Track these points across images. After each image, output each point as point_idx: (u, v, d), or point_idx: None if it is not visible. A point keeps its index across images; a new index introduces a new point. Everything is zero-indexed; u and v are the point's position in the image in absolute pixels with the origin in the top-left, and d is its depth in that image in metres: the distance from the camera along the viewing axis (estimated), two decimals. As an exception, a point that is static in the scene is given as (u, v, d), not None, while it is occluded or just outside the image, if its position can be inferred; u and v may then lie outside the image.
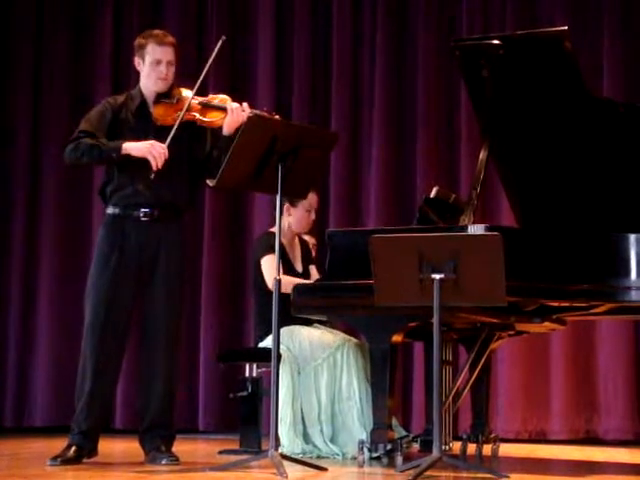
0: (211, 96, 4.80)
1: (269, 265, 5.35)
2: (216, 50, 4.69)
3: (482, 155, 4.86)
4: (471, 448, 5.21)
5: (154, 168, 4.55)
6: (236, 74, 7.40)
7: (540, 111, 4.89)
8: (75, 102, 7.43)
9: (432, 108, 7.10)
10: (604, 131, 4.81)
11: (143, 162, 4.60)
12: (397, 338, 4.64)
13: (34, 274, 7.44)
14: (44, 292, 7.40)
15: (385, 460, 4.63)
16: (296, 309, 4.84)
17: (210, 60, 4.70)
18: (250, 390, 5.40)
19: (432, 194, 5.11)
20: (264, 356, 5.11)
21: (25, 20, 7.63)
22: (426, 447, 4.94)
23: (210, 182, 4.67)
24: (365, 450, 4.68)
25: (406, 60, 7.24)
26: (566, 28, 4.72)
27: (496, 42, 4.76)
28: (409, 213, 6.56)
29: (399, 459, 4.56)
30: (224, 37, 4.73)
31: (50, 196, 7.48)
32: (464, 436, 5.27)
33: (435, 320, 4.18)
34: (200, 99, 4.73)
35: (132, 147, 4.60)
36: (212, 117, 4.70)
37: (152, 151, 4.56)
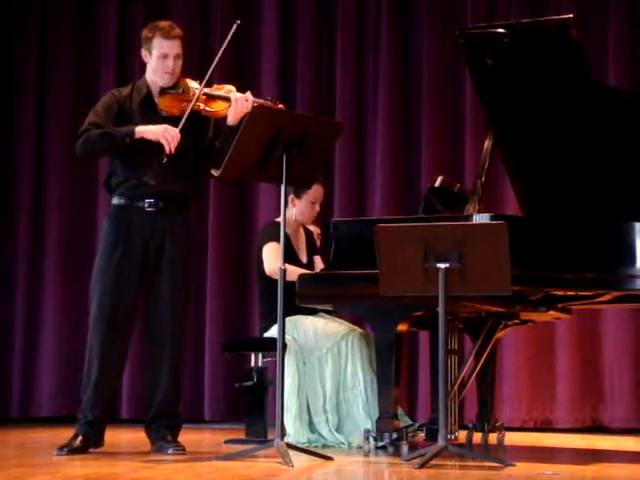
0: (216, 86, 4.79)
1: (270, 252, 5.36)
2: (230, 35, 4.63)
3: (487, 144, 4.85)
4: (477, 437, 5.22)
5: (167, 151, 4.54)
6: (240, 64, 7.39)
7: (546, 100, 4.88)
8: (80, 94, 7.42)
9: (437, 97, 7.09)
10: (610, 119, 4.80)
11: (149, 152, 4.60)
12: (402, 327, 4.64)
13: (40, 265, 7.45)
14: (50, 283, 7.41)
15: (391, 449, 4.64)
16: (301, 299, 4.84)
17: (224, 45, 4.63)
18: (255, 380, 5.41)
19: (437, 183, 5.11)
20: (269, 346, 5.12)
21: (30, 12, 7.61)
22: (432, 436, 4.94)
23: (215, 172, 4.67)
24: (371, 439, 4.69)
25: (411, 49, 7.22)
26: (572, 16, 4.71)
27: (501, 31, 4.75)
28: (414, 202, 6.56)
29: (405, 448, 4.56)
30: (239, 21, 4.68)
31: (55, 188, 7.48)
32: (470, 425, 5.29)
33: (440, 309, 4.18)
34: (205, 89, 4.72)
35: (146, 130, 4.59)
36: (216, 107, 4.69)
37: (165, 134, 4.55)
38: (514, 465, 4.18)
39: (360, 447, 4.85)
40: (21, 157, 7.54)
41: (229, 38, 4.65)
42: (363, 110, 7.26)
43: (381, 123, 7.14)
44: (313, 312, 5.38)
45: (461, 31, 4.95)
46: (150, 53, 4.73)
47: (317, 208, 5.64)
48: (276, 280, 4.49)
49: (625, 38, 6.85)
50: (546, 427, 6.72)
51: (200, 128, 4.74)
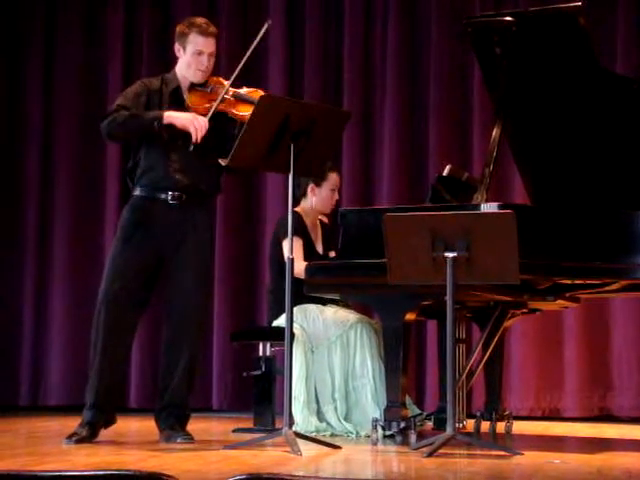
0: (245, 89, 4.75)
1: (295, 249, 5.32)
2: (260, 34, 4.61)
3: (495, 133, 4.84)
4: (484, 426, 5.22)
5: (194, 140, 4.54)
6: (249, 57, 7.35)
7: (553, 88, 4.87)
8: (87, 89, 7.45)
9: (444, 86, 7.08)
10: (618, 108, 4.79)
11: (174, 145, 4.61)
12: (410, 316, 4.64)
13: (48, 254, 7.46)
14: (58, 272, 7.42)
15: (399, 438, 4.64)
16: (309, 288, 4.84)
17: (253, 45, 4.61)
18: (264, 369, 5.42)
19: (445, 172, 5.11)
20: (278, 335, 5.12)
21: (36, 10, 7.59)
22: (440, 425, 4.95)
23: (222, 161, 4.66)
24: (379, 428, 4.70)
25: (419, 38, 7.20)
26: (580, 4, 4.69)
27: (509, 19, 4.74)
28: (422, 192, 6.55)
29: (413, 437, 4.57)
30: (270, 21, 4.67)
31: (63, 179, 7.48)
32: (478, 414, 5.29)
33: (448, 298, 4.18)
34: (234, 91, 4.69)
35: (175, 116, 4.59)
36: (244, 111, 4.61)
37: (194, 123, 4.55)
38: (522, 454, 4.19)
39: (368, 436, 4.85)
40: (28, 152, 7.52)
41: (258, 38, 4.60)
42: (371, 100, 7.24)
43: (389, 112, 7.13)
44: (322, 302, 5.38)
45: (469, 20, 4.94)
46: (184, 48, 4.73)
47: (336, 195, 5.65)
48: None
49: (634, 23, 6.81)
50: (554, 416, 6.72)
51: (226, 128, 4.69)
